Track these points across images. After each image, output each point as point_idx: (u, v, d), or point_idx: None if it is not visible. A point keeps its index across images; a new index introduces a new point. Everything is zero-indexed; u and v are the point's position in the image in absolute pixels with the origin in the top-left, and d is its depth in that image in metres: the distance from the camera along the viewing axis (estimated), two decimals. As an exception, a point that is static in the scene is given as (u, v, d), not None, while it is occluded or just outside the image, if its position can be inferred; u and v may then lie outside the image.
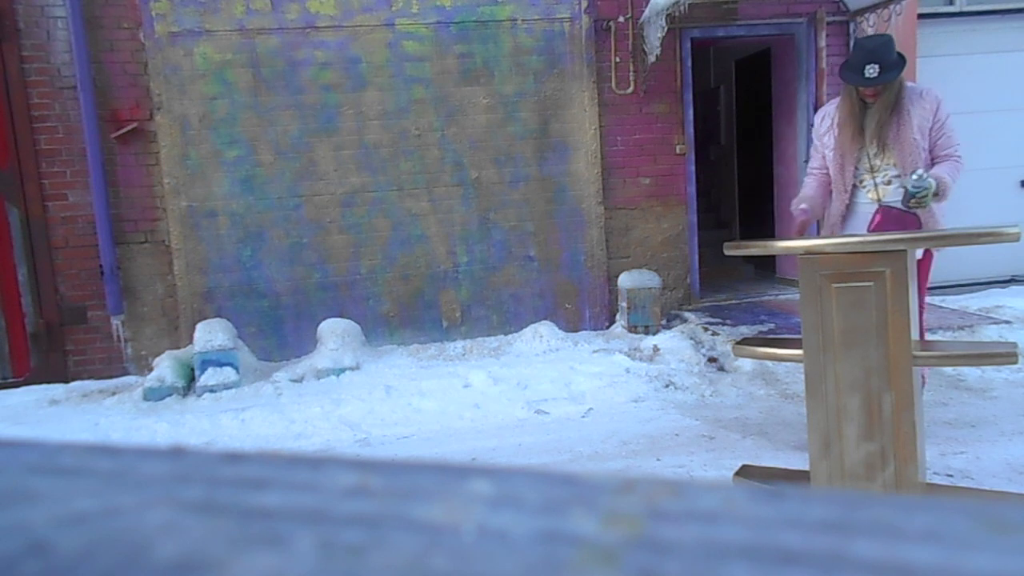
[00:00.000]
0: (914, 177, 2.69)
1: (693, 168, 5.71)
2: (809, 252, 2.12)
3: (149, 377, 4.59)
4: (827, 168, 3.11)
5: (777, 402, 3.90)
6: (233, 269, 5.19)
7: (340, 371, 4.64)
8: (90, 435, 3.87)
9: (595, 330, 5.56)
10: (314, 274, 5.29)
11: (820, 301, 2.09)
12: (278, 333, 5.28)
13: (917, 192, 2.69)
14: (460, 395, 4.17)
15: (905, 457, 2.03)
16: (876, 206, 2.93)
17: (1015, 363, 2.04)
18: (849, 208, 3.04)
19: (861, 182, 3.01)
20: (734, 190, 8.02)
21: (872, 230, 2.88)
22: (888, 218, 2.85)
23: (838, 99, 3.09)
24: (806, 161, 5.89)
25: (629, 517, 0.23)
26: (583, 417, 3.85)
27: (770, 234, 6.51)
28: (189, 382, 4.66)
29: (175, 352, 4.87)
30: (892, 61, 2.85)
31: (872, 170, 2.97)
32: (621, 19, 5.44)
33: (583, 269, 5.59)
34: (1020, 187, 6.24)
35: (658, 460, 3.18)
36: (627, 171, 5.58)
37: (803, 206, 3.06)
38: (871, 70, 2.82)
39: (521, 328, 5.36)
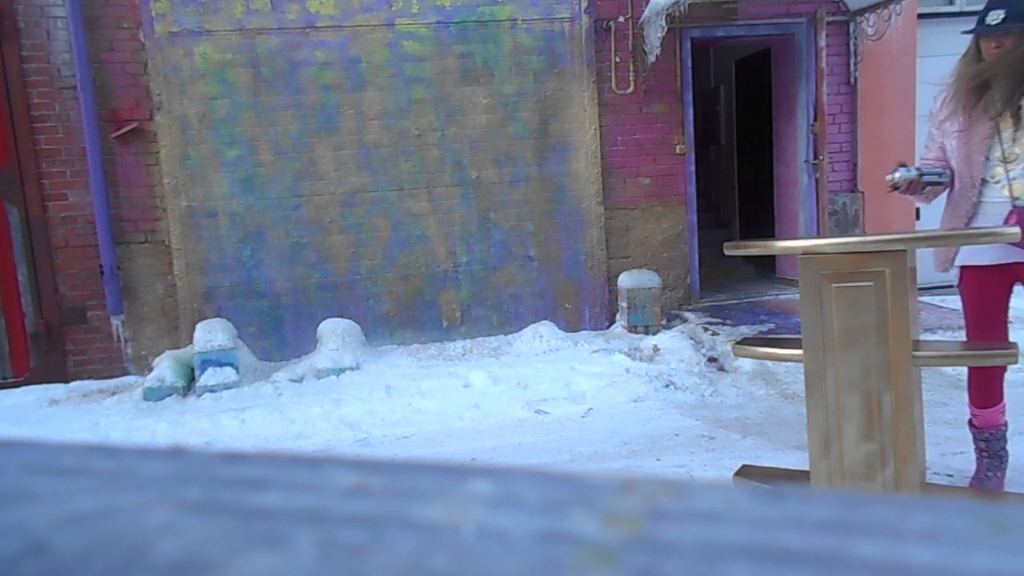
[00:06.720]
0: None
1: (693, 168, 5.71)
2: (809, 252, 2.12)
3: (149, 377, 4.59)
4: (945, 160, 2.58)
5: (777, 402, 3.90)
6: (233, 269, 5.19)
7: (340, 371, 4.64)
8: (90, 435, 3.87)
9: (595, 330, 5.56)
10: (314, 274, 5.29)
11: (820, 301, 2.09)
12: (278, 333, 5.28)
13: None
14: (460, 395, 4.17)
15: (905, 457, 2.03)
16: (1010, 206, 2.42)
17: (1015, 363, 2.03)
18: (976, 207, 2.49)
19: (992, 176, 2.46)
20: (734, 190, 8.02)
21: None
22: None
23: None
24: (806, 161, 5.89)
25: (629, 517, 0.23)
26: (583, 417, 3.85)
27: (770, 234, 6.51)
28: (189, 382, 4.66)
29: (175, 352, 4.87)
30: None
31: (1005, 160, 2.42)
32: (621, 19, 5.44)
33: (583, 269, 5.59)
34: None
35: (658, 460, 3.18)
36: (627, 171, 5.58)
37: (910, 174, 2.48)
38: (995, 15, 2.33)
39: (521, 328, 5.36)
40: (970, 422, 2.64)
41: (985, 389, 2.55)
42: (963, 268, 2.55)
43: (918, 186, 2.48)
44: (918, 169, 2.47)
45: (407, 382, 4.38)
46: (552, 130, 5.45)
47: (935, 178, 2.49)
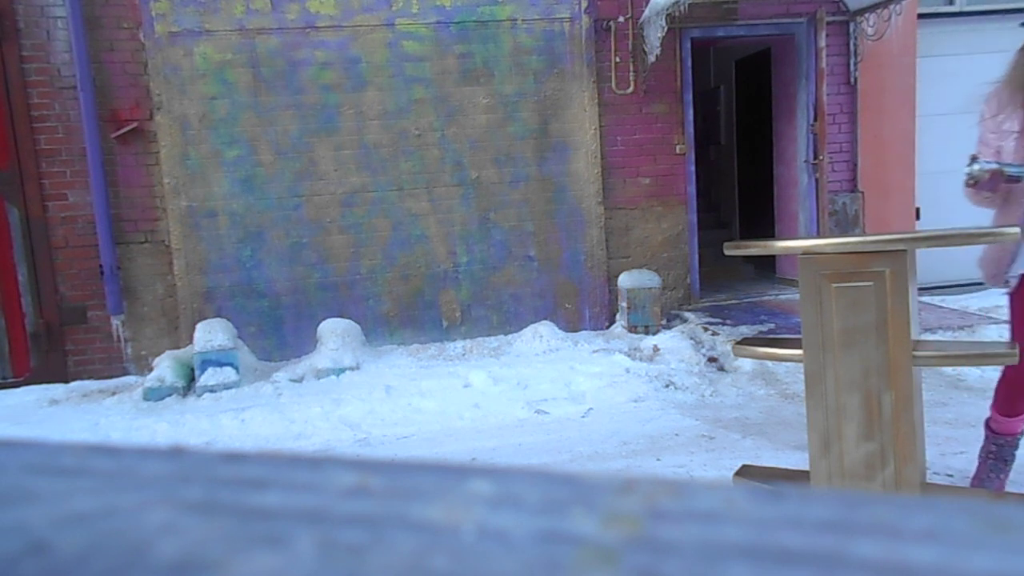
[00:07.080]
0: None
1: (693, 168, 5.71)
2: (809, 252, 2.12)
3: (149, 377, 4.59)
4: None
5: (777, 402, 3.90)
6: (233, 269, 5.19)
7: (340, 371, 4.64)
8: (90, 435, 3.87)
9: (595, 330, 5.56)
10: (314, 274, 5.29)
11: (820, 301, 2.09)
12: (278, 333, 5.28)
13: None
14: (460, 395, 4.17)
15: (905, 457, 2.03)
16: None
17: (1015, 363, 2.03)
18: None
19: None
20: (734, 190, 8.02)
21: None
22: None
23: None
24: (806, 161, 5.89)
25: (629, 517, 0.23)
26: (583, 417, 3.85)
27: (770, 234, 6.51)
28: (189, 382, 4.66)
29: (175, 352, 4.87)
30: None
31: None
32: (621, 19, 5.44)
33: (583, 269, 5.59)
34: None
35: (658, 460, 3.18)
36: (627, 171, 5.58)
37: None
38: None
39: (521, 328, 5.36)
40: (987, 423, 2.58)
41: (1014, 399, 2.45)
42: (1022, 276, 2.38)
43: (999, 180, 2.21)
44: (998, 162, 2.21)
45: (407, 382, 4.37)
46: (552, 130, 5.45)
47: (1017, 172, 2.20)
